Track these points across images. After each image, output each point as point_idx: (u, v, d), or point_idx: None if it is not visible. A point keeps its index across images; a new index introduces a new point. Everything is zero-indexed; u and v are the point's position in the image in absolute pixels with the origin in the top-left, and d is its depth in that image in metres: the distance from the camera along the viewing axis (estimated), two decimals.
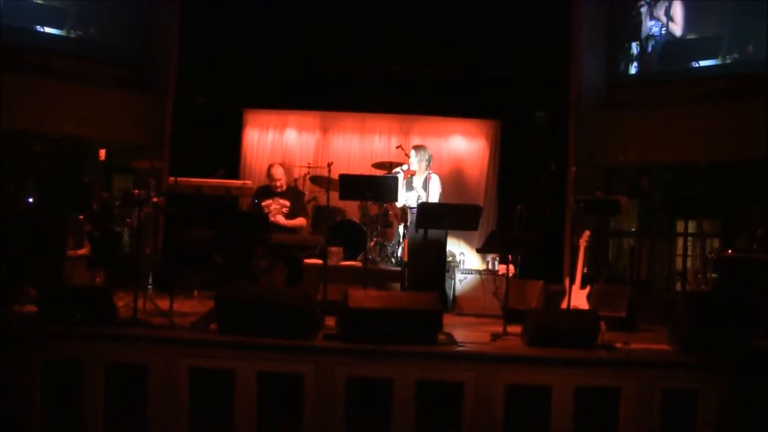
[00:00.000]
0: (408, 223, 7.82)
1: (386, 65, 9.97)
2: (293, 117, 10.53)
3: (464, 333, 6.13)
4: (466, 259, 9.26)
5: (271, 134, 10.51)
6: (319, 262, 7.30)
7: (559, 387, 5.10)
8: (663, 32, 9.65)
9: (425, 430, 5.07)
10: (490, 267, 8.56)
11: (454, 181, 10.09)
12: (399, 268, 7.88)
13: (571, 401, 5.08)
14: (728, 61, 9.08)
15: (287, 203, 7.28)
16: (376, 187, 6.38)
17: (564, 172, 8.79)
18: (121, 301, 5.82)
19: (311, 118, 10.50)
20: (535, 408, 5.09)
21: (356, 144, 10.45)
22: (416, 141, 9.55)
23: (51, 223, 6.97)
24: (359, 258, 8.28)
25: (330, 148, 10.39)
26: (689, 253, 9.66)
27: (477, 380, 5.09)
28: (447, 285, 7.94)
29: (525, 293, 7.45)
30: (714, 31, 9.28)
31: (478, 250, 8.45)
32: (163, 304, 6.15)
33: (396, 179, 6.39)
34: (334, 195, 7.33)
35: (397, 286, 7.78)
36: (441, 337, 5.49)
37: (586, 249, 7.01)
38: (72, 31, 9.71)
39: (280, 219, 6.84)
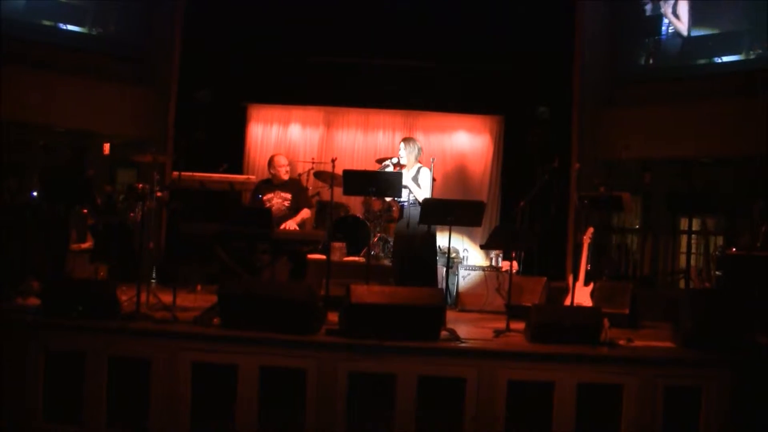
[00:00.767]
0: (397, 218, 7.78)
1: (390, 61, 9.97)
2: (297, 112, 10.53)
3: (467, 329, 6.14)
4: (469, 255, 9.27)
5: (275, 129, 10.52)
6: (323, 257, 7.29)
7: (561, 384, 5.10)
8: (670, 30, 9.62)
9: (427, 426, 5.07)
10: (493, 263, 8.57)
11: (457, 176, 10.09)
12: None
13: (574, 398, 5.08)
14: (735, 58, 9.06)
15: (288, 196, 7.24)
16: (379, 183, 6.36)
17: (567, 168, 8.78)
18: (124, 295, 5.82)
19: (315, 113, 10.50)
20: (537, 405, 5.09)
21: (360, 139, 10.45)
22: (420, 137, 9.53)
23: (54, 216, 6.99)
24: (362, 253, 8.28)
25: (334, 143, 10.39)
26: (693, 250, 9.65)
27: (479, 376, 5.09)
28: (450, 281, 7.93)
29: (528, 290, 7.45)
30: (718, 30, 9.26)
31: (482, 247, 8.45)
32: (166, 298, 6.15)
33: (400, 175, 6.37)
34: (338, 190, 7.32)
35: None
36: (443, 333, 5.50)
37: (590, 246, 7.01)
38: (77, 26, 9.73)
39: (291, 224, 6.74)
